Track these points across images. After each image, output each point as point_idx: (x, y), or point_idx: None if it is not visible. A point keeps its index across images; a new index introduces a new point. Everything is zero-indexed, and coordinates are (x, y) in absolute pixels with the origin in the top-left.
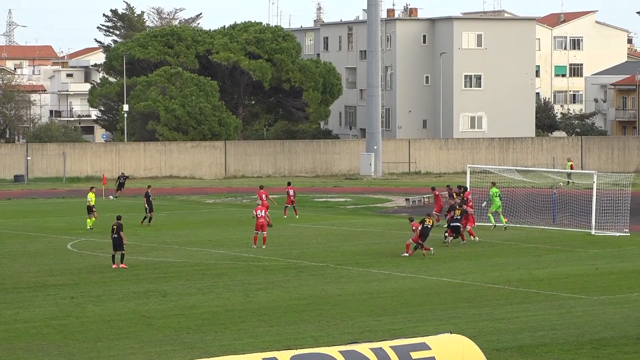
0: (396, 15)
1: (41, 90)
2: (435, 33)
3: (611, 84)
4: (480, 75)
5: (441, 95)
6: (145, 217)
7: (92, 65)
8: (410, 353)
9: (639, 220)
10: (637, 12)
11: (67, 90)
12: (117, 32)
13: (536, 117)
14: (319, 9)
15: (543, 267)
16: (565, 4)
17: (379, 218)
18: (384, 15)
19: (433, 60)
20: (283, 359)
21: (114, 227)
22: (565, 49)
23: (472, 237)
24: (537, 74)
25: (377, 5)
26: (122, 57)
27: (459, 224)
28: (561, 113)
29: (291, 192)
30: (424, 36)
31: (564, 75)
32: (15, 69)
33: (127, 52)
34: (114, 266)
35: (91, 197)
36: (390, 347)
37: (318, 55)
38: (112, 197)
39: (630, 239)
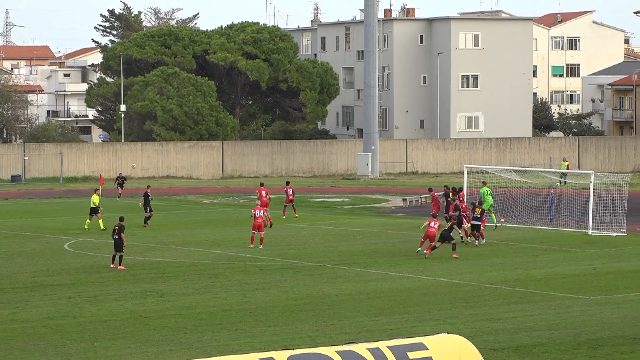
0: (393, 15)
1: (38, 90)
2: (432, 33)
3: (608, 84)
4: (477, 76)
5: (438, 95)
6: (146, 218)
7: (89, 66)
8: (407, 353)
9: (636, 220)
10: (634, 12)
11: (65, 91)
12: (115, 32)
13: (533, 117)
14: (316, 9)
15: (540, 267)
16: (562, 4)
17: (376, 218)
18: (381, 15)
19: (430, 60)
20: (280, 359)
21: (116, 227)
22: (562, 49)
23: (467, 238)
24: (534, 74)
25: (374, 5)
26: (120, 57)
27: (479, 222)
28: (558, 113)
29: (290, 192)
30: (421, 36)
31: (561, 76)
32: (12, 69)
33: (125, 52)
34: (112, 265)
35: (95, 198)
36: (387, 347)
37: (315, 55)
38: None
39: (627, 239)
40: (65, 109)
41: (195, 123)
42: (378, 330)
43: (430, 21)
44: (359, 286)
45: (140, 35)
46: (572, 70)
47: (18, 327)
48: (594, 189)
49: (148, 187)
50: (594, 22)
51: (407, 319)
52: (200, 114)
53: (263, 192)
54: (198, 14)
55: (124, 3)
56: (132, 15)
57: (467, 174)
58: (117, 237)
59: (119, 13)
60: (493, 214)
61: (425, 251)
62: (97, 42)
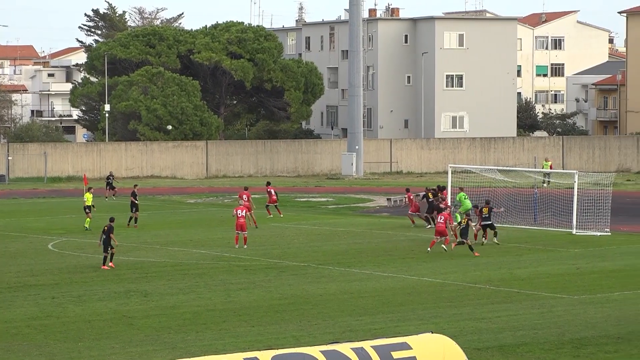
0: (378, 15)
1: (22, 90)
2: (416, 33)
3: (592, 84)
4: (461, 75)
5: (423, 95)
6: (130, 218)
7: (73, 65)
8: (391, 353)
9: (620, 220)
10: (619, 12)
11: (49, 90)
12: (99, 32)
13: (517, 116)
14: (301, 8)
15: (524, 267)
16: (547, 4)
17: (361, 218)
18: (365, 15)
19: (415, 60)
20: (264, 359)
21: (105, 228)
22: (546, 48)
23: (453, 237)
24: (519, 73)
25: (358, 5)
26: (104, 57)
27: (489, 221)
28: (542, 113)
29: (273, 192)
30: (406, 36)
31: (545, 75)
32: None
33: (109, 51)
34: (103, 267)
35: (88, 197)
36: (371, 346)
37: (300, 55)
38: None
39: (611, 238)
40: (50, 109)
41: (179, 123)
42: (362, 330)
43: (414, 21)
44: (343, 286)
45: (125, 34)
46: (557, 70)
47: (1, 327)
48: (578, 189)
49: (135, 186)
50: (578, 22)
51: (391, 318)
52: (184, 114)
53: (244, 197)
54: (182, 13)
55: (108, 3)
56: (117, 14)
57: (452, 173)
58: (105, 237)
59: (104, 13)
60: (458, 214)
61: (445, 246)
62: (81, 42)
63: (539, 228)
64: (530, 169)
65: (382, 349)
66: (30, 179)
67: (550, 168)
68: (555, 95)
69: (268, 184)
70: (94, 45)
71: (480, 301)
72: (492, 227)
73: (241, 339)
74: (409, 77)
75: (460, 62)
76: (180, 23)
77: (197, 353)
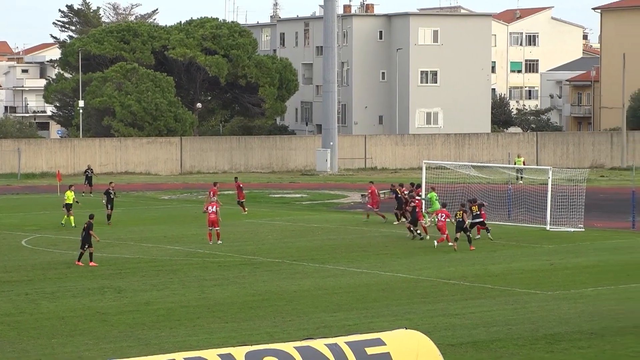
0: (352, 11)
1: None
2: (391, 29)
3: (566, 80)
4: (436, 71)
5: (397, 91)
6: (109, 216)
7: (47, 61)
8: (365, 349)
9: (594, 216)
10: (593, 9)
11: (22, 86)
12: (73, 28)
13: (492, 113)
14: (276, 4)
15: (498, 263)
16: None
17: (335, 214)
18: (340, 11)
19: (389, 56)
20: (238, 355)
21: (85, 225)
22: (521, 45)
23: (423, 234)
24: (493, 69)
25: (333, 1)
26: (78, 53)
27: (480, 219)
28: (517, 109)
29: (241, 187)
30: (380, 32)
31: (519, 71)
32: None
33: (83, 47)
34: (77, 262)
35: (69, 195)
36: (345, 342)
37: (274, 51)
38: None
39: (584, 234)
40: (23, 105)
41: (153, 119)
42: (336, 326)
43: (389, 17)
44: (318, 282)
45: (99, 30)
46: (531, 66)
47: None
48: (552, 185)
49: (110, 183)
50: (552, 18)
51: (365, 314)
52: (158, 110)
53: (211, 193)
54: (157, 9)
55: None
56: (91, 10)
57: (426, 169)
58: (85, 234)
59: (78, 9)
60: (427, 214)
61: (451, 244)
62: (55, 38)
63: (512, 224)
64: (504, 165)
65: (356, 345)
66: (4, 175)
67: (523, 164)
68: (530, 91)
69: (236, 179)
70: (68, 41)
71: (454, 297)
72: (482, 224)
73: (215, 335)
74: (383, 73)
75: (435, 58)
76: (154, 19)
77: (170, 349)
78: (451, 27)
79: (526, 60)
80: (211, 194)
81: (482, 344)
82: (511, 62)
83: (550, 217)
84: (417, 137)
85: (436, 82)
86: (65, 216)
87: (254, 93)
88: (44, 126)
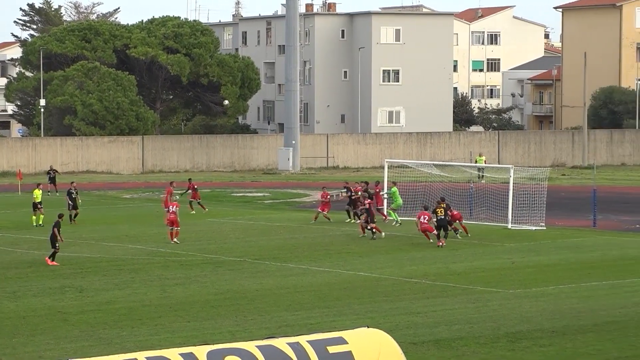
0: (315, 10)
1: None
2: (353, 28)
3: (528, 79)
4: (398, 70)
5: (359, 90)
6: (75, 215)
7: (8, 60)
8: (327, 347)
9: (555, 214)
10: (554, 8)
11: None
12: (34, 27)
13: (454, 111)
14: (238, 3)
15: (460, 261)
16: None
17: (297, 213)
18: (302, 10)
19: (351, 55)
20: (200, 355)
21: (54, 223)
22: (482, 43)
23: (376, 232)
24: (455, 68)
25: (295, 0)
26: (39, 52)
27: (445, 218)
28: (478, 108)
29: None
30: (343, 31)
31: (481, 70)
32: None
33: (44, 46)
34: (50, 262)
35: (37, 194)
36: (307, 341)
37: (236, 49)
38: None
39: (546, 233)
40: None
41: (115, 118)
42: (298, 325)
43: (351, 16)
44: (280, 281)
45: (61, 29)
46: (493, 65)
47: None
48: (513, 183)
49: (72, 183)
50: (514, 17)
51: (327, 313)
52: (120, 109)
53: (167, 193)
54: (119, 8)
55: None
56: (52, 9)
57: (388, 168)
58: (52, 232)
59: (39, 7)
60: (396, 214)
61: (438, 243)
62: (16, 37)
63: (474, 222)
64: (466, 164)
65: (317, 343)
66: None
67: (485, 163)
68: (491, 90)
69: (190, 180)
70: (30, 39)
71: (416, 295)
72: (445, 228)
73: (177, 334)
74: (345, 72)
75: (397, 57)
76: (116, 18)
77: (132, 349)
78: (413, 26)
79: (488, 59)
80: (168, 193)
81: (444, 343)
82: (473, 61)
83: (512, 216)
84: (379, 136)
85: (398, 81)
86: (33, 216)
87: (216, 92)
88: (5, 125)
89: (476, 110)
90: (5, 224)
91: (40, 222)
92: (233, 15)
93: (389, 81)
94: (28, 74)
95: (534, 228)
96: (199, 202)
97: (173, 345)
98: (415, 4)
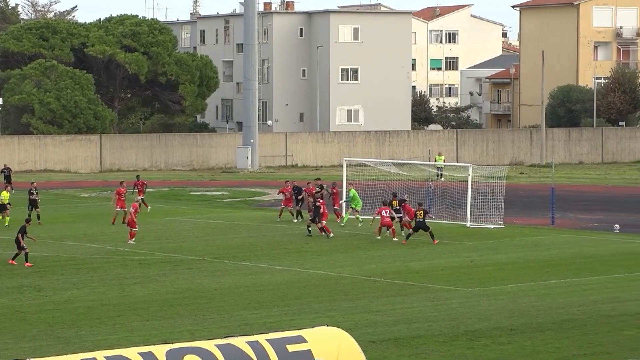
0: (273, 9)
1: None
2: (311, 26)
3: (486, 78)
4: (356, 69)
5: (318, 88)
6: (37, 216)
7: None
8: (287, 346)
9: (513, 213)
10: (512, 6)
11: None
12: None
13: (412, 110)
14: (196, 2)
15: (419, 260)
16: None
17: (256, 211)
18: (260, 8)
19: (310, 54)
20: (159, 354)
21: (20, 227)
22: (440, 42)
23: (325, 232)
24: (413, 67)
25: None
26: None
27: (401, 214)
28: (437, 106)
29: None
30: (301, 29)
31: (439, 69)
32: None
33: (1, 45)
34: (25, 264)
35: (5, 195)
36: (266, 340)
37: (195, 48)
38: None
39: (504, 231)
40: None
41: (73, 116)
42: (257, 324)
43: (309, 14)
44: (239, 279)
45: (18, 27)
46: (451, 64)
47: None
48: (472, 182)
49: (32, 183)
50: (472, 15)
51: (286, 312)
52: (78, 108)
53: (118, 193)
54: (76, 6)
55: None
56: (9, 7)
57: (347, 167)
58: (18, 235)
59: None
60: (348, 214)
61: (400, 240)
62: None
63: (433, 221)
64: (424, 162)
65: (277, 342)
66: None
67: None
68: (450, 88)
69: (138, 177)
70: None
71: (375, 294)
72: (425, 229)
73: (135, 333)
74: (304, 70)
75: (355, 55)
76: (73, 16)
77: (90, 348)
78: (371, 25)
79: (446, 58)
80: (117, 193)
81: (403, 341)
82: (431, 60)
83: (471, 214)
84: (338, 134)
85: (357, 80)
86: (7, 217)
87: (174, 90)
88: None
89: (434, 109)
90: None
91: (7, 224)
92: (191, 13)
93: (347, 80)
94: None
95: (492, 226)
96: (142, 200)
97: (132, 345)
98: (373, 3)
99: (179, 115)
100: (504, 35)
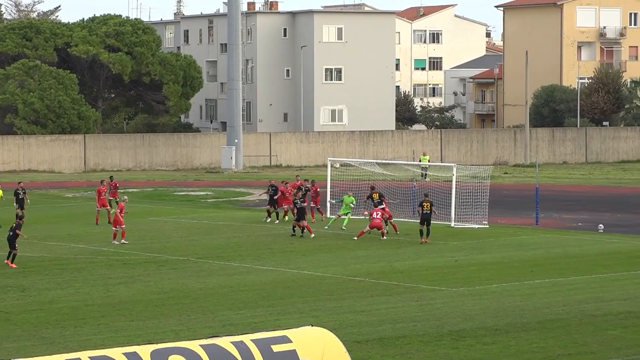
0: (257, 9)
1: None
2: (295, 26)
3: (470, 78)
4: (340, 69)
5: (302, 88)
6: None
7: None
8: (271, 346)
9: (498, 212)
10: (495, 6)
11: None
12: None
13: (396, 110)
14: (179, 1)
15: (403, 260)
16: None
17: (240, 212)
18: (244, 8)
19: (294, 54)
20: (143, 354)
21: (12, 226)
22: (424, 42)
23: (307, 232)
24: (397, 67)
25: None
26: None
27: (384, 206)
28: (421, 106)
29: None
30: (285, 29)
31: (423, 69)
32: None
33: None
34: (5, 261)
35: None
36: (251, 340)
37: (178, 48)
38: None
39: (489, 231)
40: None
41: (57, 116)
42: (242, 324)
43: (293, 14)
44: (223, 280)
45: (0, 28)
46: (435, 64)
47: None
48: (456, 182)
49: (19, 183)
50: (455, 15)
51: (271, 312)
52: (62, 108)
53: (100, 192)
54: (59, 6)
55: None
56: None
57: (331, 167)
58: (11, 234)
59: None
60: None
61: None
62: None
63: (417, 221)
64: (408, 162)
65: (262, 342)
66: None
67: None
68: (434, 88)
69: (112, 177)
70: None
71: (360, 294)
72: (428, 223)
73: (120, 333)
74: (288, 70)
75: (339, 55)
76: (57, 16)
77: (75, 348)
78: (355, 25)
79: (430, 58)
80: (99, 193)
81: (388, 341)
82: (415, 60)
83: (455, 214)
84: (322, 134)
85: (341, 80)
86: None
87: (158, 90)
88: None
89: (419, 109)
90: None
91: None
92: (175, 13)
93: (331, 80)
94: None
95: (476, 226)
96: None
97: (116, 345)
98: (357, 3)
99: (163, 115)
100: (488, 35)
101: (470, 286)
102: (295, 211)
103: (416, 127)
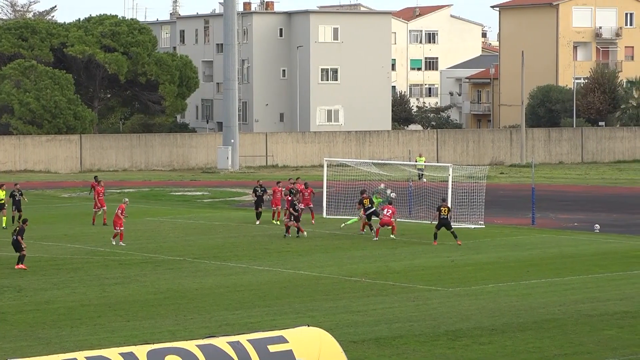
0: (253, 9)
1: None
2: (291, 26)
3: (466, 78)
4: (336, 69)
5: (298, 88)
6: (20, 217)
7: None
8: (268, 346)
9: (494, 212)
10: (491, 7)
11: None
12: None
13: (392, 110)
14: (175, 2)
15: (399, 260)
16: None
17: (236, 212)
18: (240, 8)
19: (290, 54)
20: (140, 354)
21: (16, 229)
22: (420, 42)
23: (301, 232)
24: (393, 67)
25: None
26: None
27: (374, 210)
28: (417, 106)
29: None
30: (281, 29)
31: (419, 69)
32: None
33: None
34: (16, 266)
35: (0, 194)
36: (248, 340)
37: (174, 48)
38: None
39: (485, 231)
40: None
41: (53, 117)
42: (238, 324)
43: (289, 14)
44: (220, 280)
45: None
46: (431, 64)
47: None
48: (452, 182)
49: (16, 184)
50: (451, 16)
51: (267, 312)
52: (58, 108)
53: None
54: (55, 6)
55: None
56: None
57: (327, 167)
58: (15, 238)
59: None
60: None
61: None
62: None
63: (414, 221)
64: (405, 162)
65: (258, 342)
66: None
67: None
68: (430, 88)
69: (96, 177)
70: None
71: (356, 294)
72: (448, 227)
73: (116, 333)
74: (284, 70)
75: (335, 55)
76: (53, 16)
77: (71, 348)
78: (351, 25)
79: (426, 58)
80: (97, 193)
81: (385, 341)
82: (411, 60)
83: (451, 214)
84: (318, 134)
85: (337, 80)
86: (4, 217)
87: (154, 91)
88: None
89: (414, 109)
90: None
91: (4, 225)
92: (171, 13)
93: (327, 80)
94: None
95: (473, 226)
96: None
97: (113, 345)
98: (353, 3)
99: (159, 116)
100: (484, 35)
101: (467, 286)
102: (292, 212)
103: (412, 127)
